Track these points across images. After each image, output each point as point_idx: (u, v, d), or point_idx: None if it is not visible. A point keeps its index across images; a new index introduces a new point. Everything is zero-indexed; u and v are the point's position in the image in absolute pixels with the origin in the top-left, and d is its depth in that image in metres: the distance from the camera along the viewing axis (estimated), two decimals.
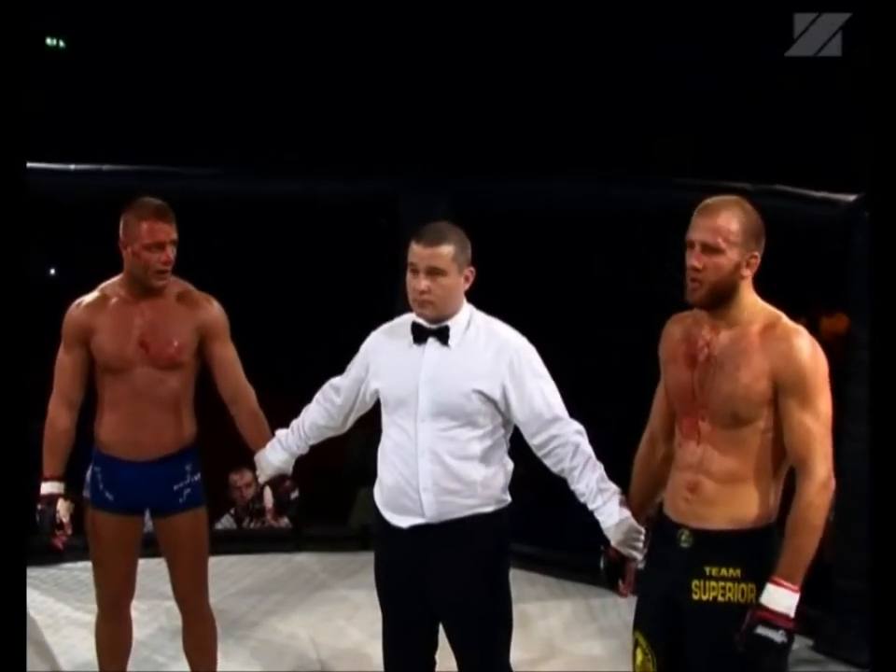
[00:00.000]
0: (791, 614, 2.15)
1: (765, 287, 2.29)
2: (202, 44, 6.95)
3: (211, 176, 4.70)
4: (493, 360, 2.48)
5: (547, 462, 2.51)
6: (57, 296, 3.26)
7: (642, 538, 2.41)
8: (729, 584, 2.23)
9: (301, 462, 2.83)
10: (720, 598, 2.23)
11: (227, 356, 2.93)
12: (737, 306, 2.24)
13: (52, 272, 8.25)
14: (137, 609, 3.10)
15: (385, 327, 2.63)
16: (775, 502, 2.27)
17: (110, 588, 2.93)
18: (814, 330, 2.29)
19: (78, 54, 7.61)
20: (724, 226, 2.20)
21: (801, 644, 3.64)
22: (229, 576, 4.26)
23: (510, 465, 2.58)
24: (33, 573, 4.06)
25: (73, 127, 6.67)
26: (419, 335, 2.51)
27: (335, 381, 2.69)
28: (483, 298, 2.57)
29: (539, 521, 4.46)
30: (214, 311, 2.93)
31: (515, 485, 2.58)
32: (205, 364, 2.94)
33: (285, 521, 4.80)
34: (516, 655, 2.63)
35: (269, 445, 2.83)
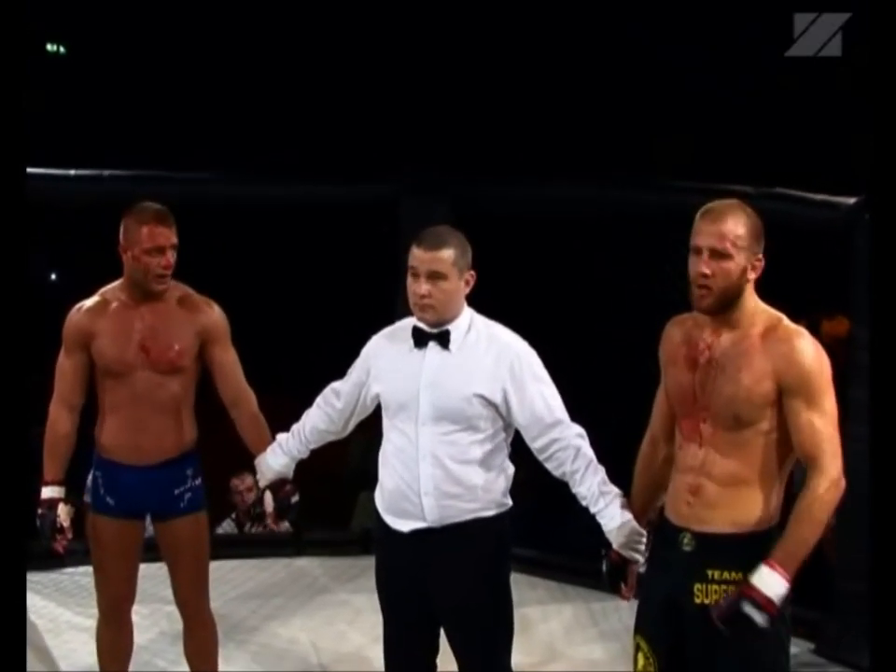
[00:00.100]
0: (779, 603, 2.14)
1: (766, 290, 2.28)
2: (201, 49, 6.95)
3: (211, 181, 4.71)
4: (494, 364, 2.48)
5: (548, 466, 2.51)
6: (58, 300, 3.26)
7: (644, 540, 2.41)
8: (731, 588, 2.22)
9: (301, 466, 2.83)
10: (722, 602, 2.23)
11: (227, 360, 2.93)
12: (740, 309, 2.24)
13: (53, 276, 8.26)
14: (138, 614, 3.10)
15: (386, 331, 2.63)
16: (777, 505, 2.27)
17: (111, 592, 2.93)
18: (814, 333, 2.28)
19: (79, 60, 7.62)
20: (732, 230, 2.19)
21: (802, 648, 3.64)
22: (230, 580, 4.26)
23: (510, 469, 2.57)
24: (34, 578, 4.05)
25: (73, 132, 6.68)
26: (420, 339, 2.51)
27: (336, 385, 2.69)
28: (483, 301, 2.57)
29: (539, 524, 4.46)
30: (214, 315, 2.93)
31: (516, 489, 2.58)
32: (206, 368, 2.94)
33: (285, 525, 4.80)
34: (517, 659, 2.63)
35: (269, 449, 2.83)
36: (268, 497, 4.35)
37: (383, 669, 2.64)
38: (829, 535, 4.18)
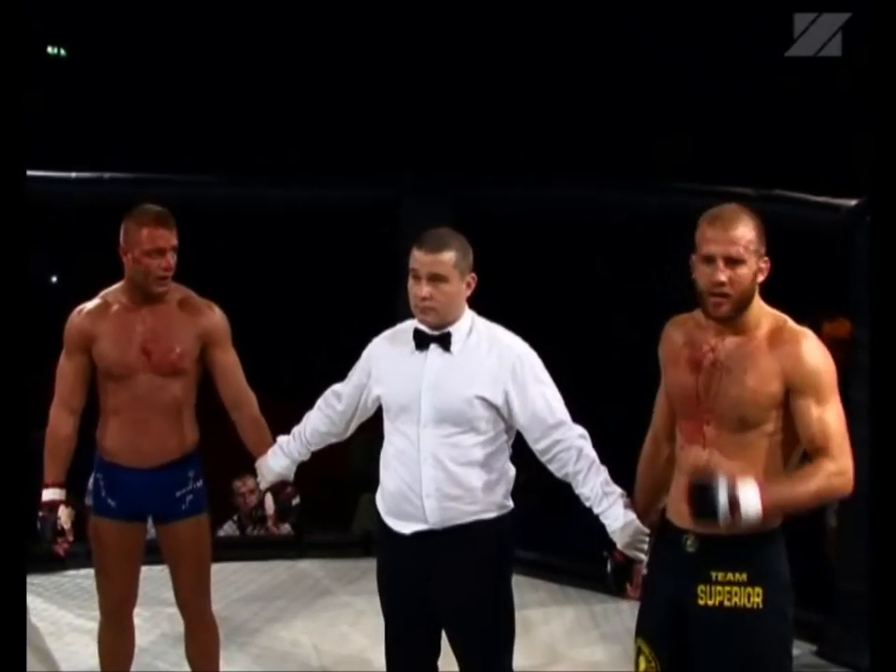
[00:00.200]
0: (743, 511, 2.10)
1: (767, 293, 2.28)
2: (201, 52, 6.95)
3: (211, 183, 4.71)
4: (495, 366, 2.48)
5: (551, 467, 2.51)
6: (59, 302, 3.26)
7: (648, 539, 2.41)
8: (735, 589, 2.22)
9: (302, 468, 2.83)
10: (726, 603, 2.23)
11: (228, 362, 2.93)
12: (746, 311, 2.23)
13: (54, 278, 8.26)
14: (140, 616, 3.10)
15: (387, 333, 2.63)
16: None
17: (113, 595, 2.93)
18: (816, 335, 2.28)
19: (79, 62, 7.62)
20: (744, 235, 2.19)
21: (804, 649, 3.64)
22: (231, 582, 4.26)
23: (512, 471, 2.57)
24: (35, 580, 4.06)
25: (74, 134, 6.68)
26: (421, 341, 2.51)
27: (337, 387, 2.69)
28: (483, 302, 2.57)
29: (540, 527, 4.46)
30: (215, 317, 2.93)
31: (517, 491, 2.58)
32: (207, 371, 2.94)
33: (287, 527, 4.80)
34: (518, 661, 2.62)
35: (270, 451, 2.83)
36: (269, 499, 4.36)
37: (384, 671, 2.64)
38: (830, 536, 4.19)
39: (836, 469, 2.16)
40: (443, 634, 2.58)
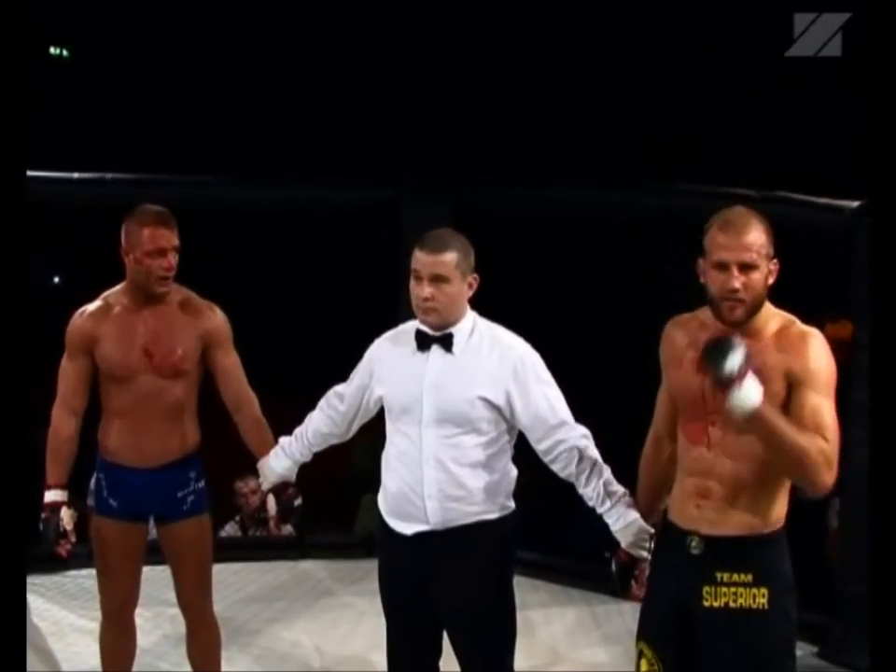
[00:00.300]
0: (744, 388, 2.05)
1: (769, 294, 2.28)
2: (203, 53, 6.95)
3: (212, 184, 4.71)
4: (497, 367, 2.48)
5: (554, 467, 2.51)
6: (61, 303, 3.26)
7: (651, 538, 2.41)
8: (741, 590, 2.22)
9: (304, 469, 2.83)
10: (731, 604, 2.23)
11: (230, 363, 2.94)
12: (756, 314, 2.23)
13: (56, 279, 8.27)
14: (141, 617, 3.10)
15: (389, 334, 2.63)
16: (784, 506, 2.27)
17: (114, 595, 2.93)
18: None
19: (82, 63, 7.62)
20: (756, 241, 2.18)
21: (806, 651, 3.64)
22: (233, 583, 4.27)
23: (514, 471, 2.57)
24: (37, 580, 4.07)
25: (76, 135, 6.68)
26: (423, 342, 2.51)
27: (339, 388, 2.69)
28: (484, 302, 2.57)
29: (541, 528, 4.46)
30: (217, 319, 2.94)
31: (518, 492, 2.58)
32: (208, 372, 2.94)
33: (288, 529, 4.80)
34: (520, 662, 2.63)
35: (272, 452, 2.83)
36: (271, 499, 4.37)
37: None
38: (831, 537, 4.19)
39: (827, 451, 2.12)
40: (445, 634, 2.59)
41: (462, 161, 4.77)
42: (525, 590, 3.41)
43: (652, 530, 2.41)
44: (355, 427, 2.70)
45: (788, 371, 2.18)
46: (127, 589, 2.94)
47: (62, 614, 3.96)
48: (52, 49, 7.80)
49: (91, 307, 2.90)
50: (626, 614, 3.91)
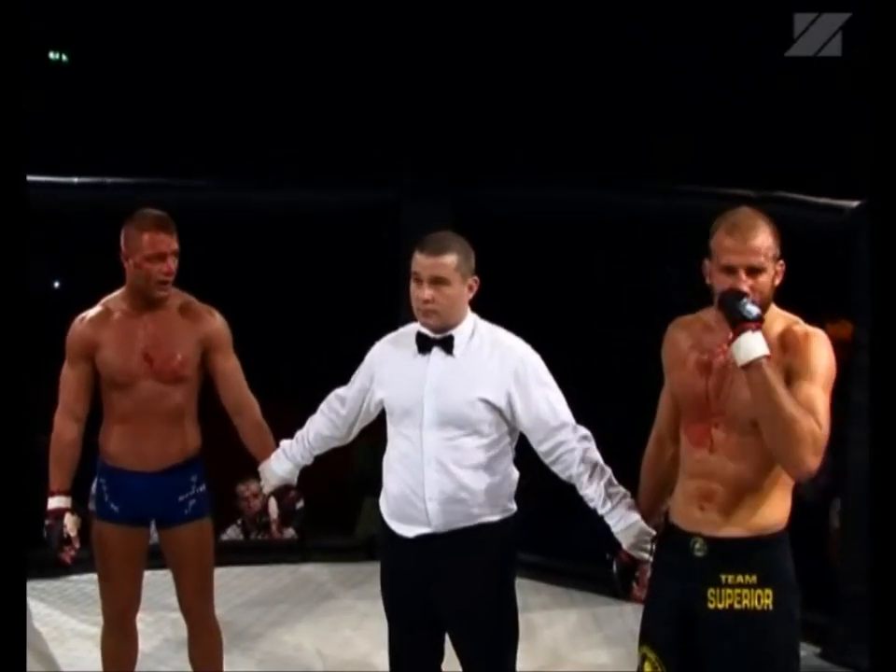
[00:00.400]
0: (754, 344, 2.09)
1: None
2: (202, 57, 6.96)
3: (212, 187, 4.71)
4: (497, 369, 2.47)
5: (555, 469, 2.51)
6: (61, 308, 3.26)
7: (652, 540, 2.41)
8: (745, 591, 2.21)
9: (306, 472, 2.83)
10: (736, 606, 2.22)
11: (229, 368, 2.93)
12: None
13: (56, 284, 8.27)
14: (143, 621, 3.09)
15: (390, 336, 2.63)
16: (787, 508, 2.26)
17: (116, 600, 2.93)
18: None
19: (81, 68, 7.62)
20: (763, 245, 2.17)
21: (808, 651, 3.63)
22: (234, 587, 4.26)
23: (515, 473, 2.57)
24: (38, 585, 4.07)
25: (76, 140, 6.68)
26: (424, 344, 2.51)
27: (340, 391, 2.69)
28: (485, 303, 2.57)
29: (543, 530, 4.46)
30: (216, 323, 2.93)
31: (520, 494, 2.58)
32: (208, 376, 2.94)
33: (289, 532, 4.80)
34: (522, 664, 2.63)
35: (273, 456, 2.82)
36: (272, 503, 4.37)
37: None
38: (833, 538, 4.19)
39: (817, 434, 2.10)
40: (447, 637, 2.58)
41: (462, 161, 4.77)
42: (526, 592, 3.40)
43: (654, 532, 2.40)
44: (356, 430, 2.70)
45: (788, 368, 2.17)
46: (128, 593, 2.94)
47: (63, 619, 3.96)
48: (52, 54, 7.80)
49: (91, 313, 2.90)
50: (628, 616, 3.90)
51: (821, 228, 3.86)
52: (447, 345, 2.49)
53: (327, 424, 2.70)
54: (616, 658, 3.68)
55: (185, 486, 2.91)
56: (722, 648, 2.23)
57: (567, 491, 2.53)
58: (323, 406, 2.72)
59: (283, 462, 2.79)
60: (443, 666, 2.61)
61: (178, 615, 3.04)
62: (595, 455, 2.47)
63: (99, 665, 3.03)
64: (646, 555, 2.41)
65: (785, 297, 2.27)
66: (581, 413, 2.53)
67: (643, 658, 2.33)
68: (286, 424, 2.86)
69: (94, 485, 3.04)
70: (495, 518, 2.51)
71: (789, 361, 2.18)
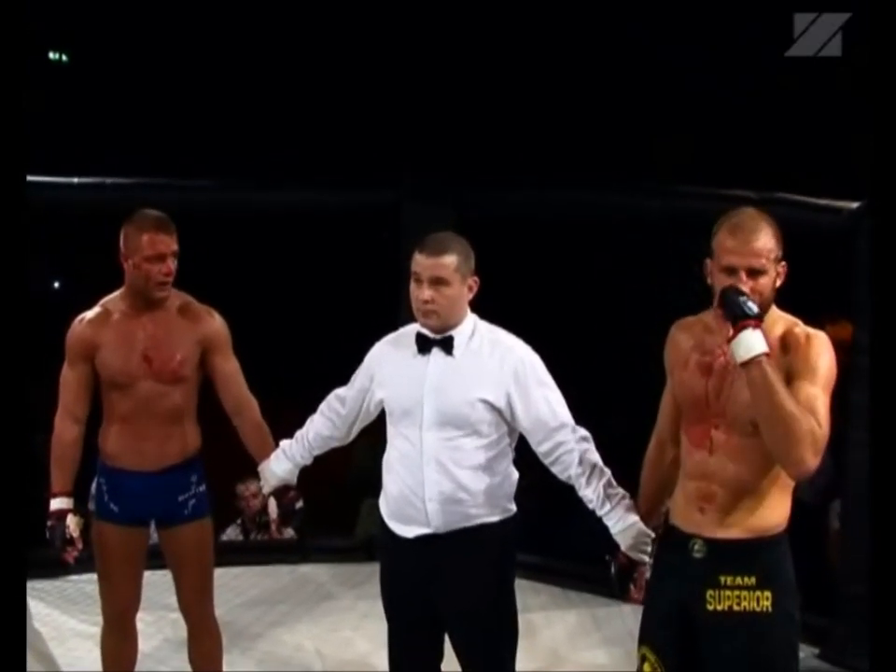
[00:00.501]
0: (754, 341, 2.08)
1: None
2: (202, 57, 6.96)
3: (211, 188, 4.71)
4: (497, 369, 2.48)
5: (554, 470, 2.51)
6: (61, 308, 3.26)
7: (651, 541, 2.41)
8: (744, 593, 2.21)
9: (305, 472, 2.83)
10: (735, 607, 2.22)
11: (229, 368, 2.93)
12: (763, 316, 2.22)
13: (56, 284, 8.28)
14: (143, 621, 3.09)
15: (390, 337, 2.63)
16: (787, 509, 2.27)
17: (116, 600, 2.93)
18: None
19: (81, 68, 7.63)
20: (765, 246, 2.17)
21: (807, 653, 3.63)
22: (234, 587, 4.26)
23: (515, 474, 2.57)
24: (38, 585, 4.06)
25: (75, 140, 6.68)
26: (423, 345, 2.51)
27: (339, 391, 2.69)
28: (485, 304, 2.57)
29: (542, 530, 4.46)
30: (216, 324, 2.93)
31: (519, 495, 2.58)
32: (207, 377, 2.94)
33: (289, 532, 4.80)
34: (521, 665, 2.63)
35: (273, 456, 2.83)
36: (272, 503, 4.36)
37: None
38: (833, 539, 4.19)
39: (816, 433, 2.09)
40: (447, 637, 2.58)
41: (462, 162, 4.77)
42: (526, 593, 3.40)
43: (652, 534, 2.40)
44: (355, 431, 2.70)
45: (789, 369, 2.17)
46: (128, 593, 2.94)
47: (62, 619, 3.96)
48: (52, 54, 7.81)
49: (90, 314, 2.90)
50: (627, 616, 3.91)
51: (822, 229, 3.85)
52: (447, 346, 2.49)
53: (326, 424, 2.71)
54: (615, 659, 3.68)
55: (185, 486, 2.91)
56: (721, 649, 2.23)
57: (567, 492, 2.53)
58: (323, 406, 2.72)
59: (282, 462, 2.80)
60: (443, 666, 2.61)
61: (178, 615, 3.04)
62: (595, 456, 2.47)
63: (99, 665, 3.03)
64: (644, 557, 2.41)
65: (785, 298, 2.27)
66: (581, 414, 2.53)
67: (642, 659, 2.34)
68: (286, 424, 2.86)
69: (94, 485, 3.04)
70: (494, 519, 2.51)
71: (789, 362, 2.18)
